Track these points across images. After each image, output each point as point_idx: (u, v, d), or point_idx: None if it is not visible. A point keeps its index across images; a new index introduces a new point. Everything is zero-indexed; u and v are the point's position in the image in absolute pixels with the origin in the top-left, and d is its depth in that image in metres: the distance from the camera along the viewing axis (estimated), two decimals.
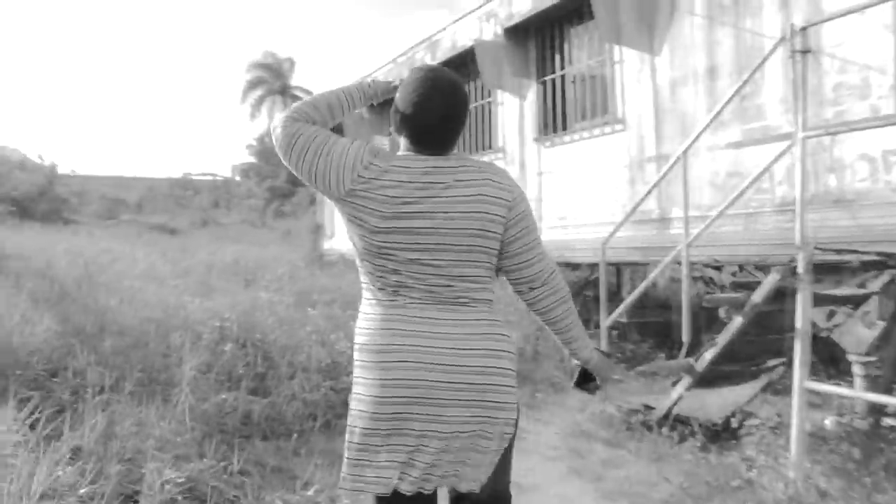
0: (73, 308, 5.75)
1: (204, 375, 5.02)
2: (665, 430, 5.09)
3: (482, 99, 10.60)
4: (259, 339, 5.85)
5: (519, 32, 9.30)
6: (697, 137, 5.40)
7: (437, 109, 2.02)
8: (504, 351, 2.06)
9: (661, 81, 7.21)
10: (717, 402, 5.39)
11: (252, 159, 45.08)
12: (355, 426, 2.05)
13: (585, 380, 2.31)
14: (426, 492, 2.06)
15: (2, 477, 3.01)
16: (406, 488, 2.01)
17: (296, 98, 45.85)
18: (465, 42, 10.38)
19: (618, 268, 9.71)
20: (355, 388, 2.08)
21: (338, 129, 2.34)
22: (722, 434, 5.11)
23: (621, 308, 5.90)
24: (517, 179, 9.35)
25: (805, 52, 4.53)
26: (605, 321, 6.18)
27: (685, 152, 5.39)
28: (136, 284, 7.49)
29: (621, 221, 6.10)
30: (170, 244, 15.12)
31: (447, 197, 1.97)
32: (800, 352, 4.19)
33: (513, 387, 2.06)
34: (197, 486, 3.57)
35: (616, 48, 7.81)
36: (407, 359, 1.98)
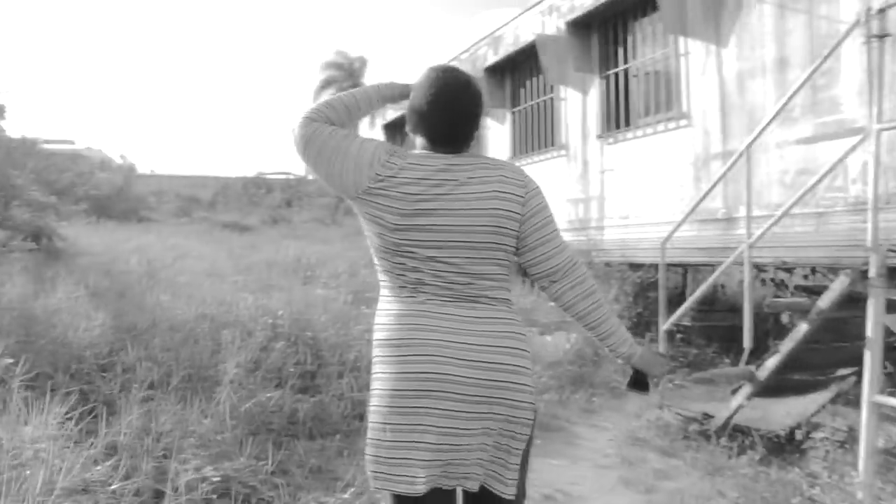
0: (128, 304, 5.82)
1: (252, 373, 5.00)
2: (723, 440, 4.83)
3: (544, 95, 10.39)
4: (310, 336, 5.81)
5: (581, 26, 9.07)
6: (763, 131, 5.11)
7: (451, 108, 2.04)
8: (522, 350, 2.03)
9: (728, 74, 6.90)
10: (781, 413, 5.12)
11: None
12: (375, 422, 2.02)
13: (639, 381, 2.21)
14: (447, 488, 2.03)
15: (35, 472, 3.02)
16: (428, 486, 1.98)
17: None
18: (527, 37, 10.19)
19: (684, 269, 9.39)
20: (373, 385, 2.06)
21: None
22: (785, 447, 4.84)
23: (680, 311, 5.64)
24: (579, 177, 9.16)
25: (882, 36, 4.24)
26: (664, 324, 5.92)
27: (749, 147, 5.11)
28: (195, 281, 7.57)
29: (681, 221, 5.84)
30: (238, 241, 15.33)
31: (462, 194, 1.98)
32: (870, 362, 3.91)
33: (530, 386, 2.03)
34: (231, 486, 3.52)
35: (681, 40, 7.52)
36: (426, 352, 1.96)
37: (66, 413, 3.62)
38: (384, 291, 2.10)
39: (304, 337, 5.80)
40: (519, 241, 2.04)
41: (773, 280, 8.54)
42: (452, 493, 2.08)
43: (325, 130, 2.05)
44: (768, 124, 5.07)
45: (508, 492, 2.01)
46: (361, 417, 5.07)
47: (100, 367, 4.68)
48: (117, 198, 28.05)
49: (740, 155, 5.19)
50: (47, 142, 34.67)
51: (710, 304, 8.95)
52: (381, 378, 2.03)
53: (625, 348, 2.12)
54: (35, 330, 4.89)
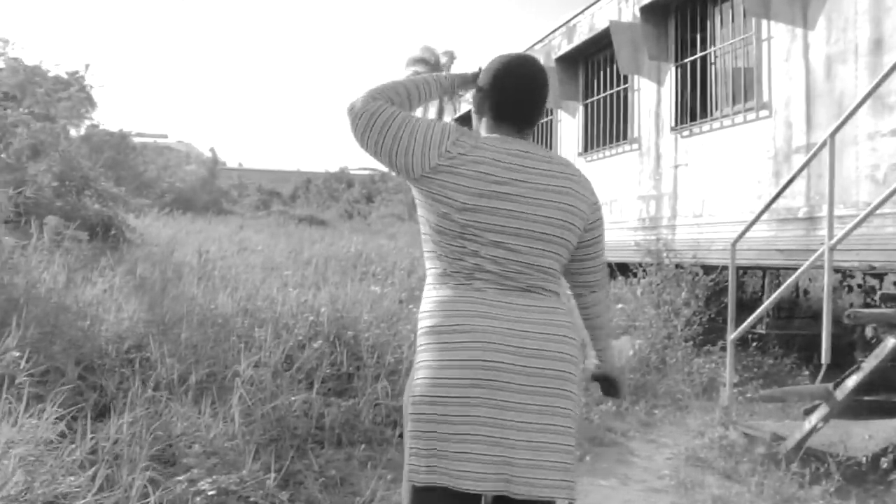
0: (165, 297, 5.65)
1: (283, 373, 4.74)
2: (795, 465, 4.27)
3: (617, 86, 9.83)
4: (351, 336, 5.52)
5: (657, 11, 8.48)
6: (849, 118, 4.52)
7: (518, 83, 2.03)
8: (573, 339, 1.98)
9: (815, 59, 6.26)
10: (864, 436, 4.52)
11: None
12: (421, 413, 1.89)
13: (610, 389, 2.33)
14: (514, 495, 1.87)
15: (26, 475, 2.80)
16: (482, 487, 1.85)
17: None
18: (601, 24, 9.65)
19: (765, 272, 8.72)
20: (418, 374, 1.94)
21: None
22: (867, 476, 4.25)
23: (751, 320, 5.08)
24: (651, 173, 8.61)
25: None
26: (732, 333, 5.37)
27: (833, 136, 4.53)
28: (245, 274, 7.40)
29: (753, 220, 5.27)
30: (308, 235, 15.30)
31: (537, 183, 1.94)
32: None
33: (577, 376, 1.98)
34: (228, 501, 3.23)
35: (763, 23, 6.90)
36: (476, 339, 1.88)
37: (69, 411, 3.43)
38: (434, 279, 2.02)
39: (345, 336, 5.52)
40: (576, 247, 2.05)
41: (860, 286, 7.81)
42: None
43: (388, 108, 1.99)
44: (855, 110, 4.48)
45: (555, 487, 1.88)
46: (395, 425, 4.75)
47: (122, 363, 4.50)
48: (201, 190, 28.82)
49: (822, 145, 4.61)
50: (140, 135, 35.95)
51: (790, 310, 8.27)
52: (425, 366, 1.92)
53: (607, 362, 2.29)
54: (64, 320, 4.76)
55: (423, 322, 1.98)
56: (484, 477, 1.84)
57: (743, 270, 8.38)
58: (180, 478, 3.23)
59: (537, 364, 1.88)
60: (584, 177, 2.05)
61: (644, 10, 8.50)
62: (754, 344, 6.96)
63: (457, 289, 1.95)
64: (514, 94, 2.02)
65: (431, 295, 1.99)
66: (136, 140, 30.66)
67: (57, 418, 3.31)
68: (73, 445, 3.09)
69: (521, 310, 1.92)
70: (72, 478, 2.90)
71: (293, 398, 4.46)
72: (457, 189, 1.91)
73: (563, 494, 1.90)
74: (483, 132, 2.07)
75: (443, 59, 48.06)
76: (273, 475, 3.52)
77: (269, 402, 4.32)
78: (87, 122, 21.69)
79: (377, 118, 1.96)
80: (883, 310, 4.09)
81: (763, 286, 8.53)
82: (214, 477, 3.30)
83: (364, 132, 1.98)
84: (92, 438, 3.23)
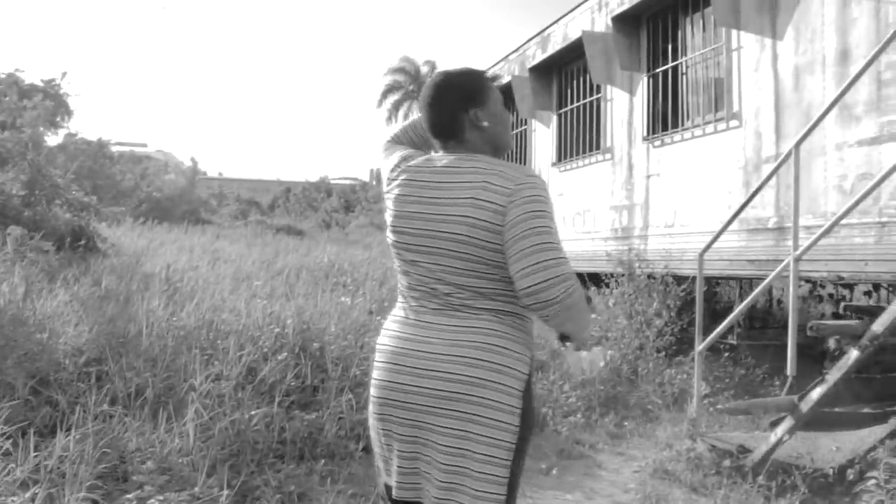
0: (126, 308, 5.53)
1: (243, 387, 4.63)
2: (761, 478, 4.23)
3: (590, 96, 9.81)
4: (317, 348, 5.43)
5: (629, 21, 8.48)
6: (814, 127, 4.51)
7: (428, 101, 2.06)
8: (502, 365, 1.88)
9: (784, 70, 6.26)
10: (830, 448, 4.49)
11: None
12: (370, 425, 2.11)
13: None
14: (399, 499, 2.01)
15: None
16: (397, 495, 2.00)
17: None
18: (575, 34, 9.64)
19: (740, 283, 8.72)
20: None
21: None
22: (833, 488, 4.21)
23: (718, 331, 5.05)
24: (624, 182, 8.57)
25: None
26: (699, 345, 5.33)
27: (798, 146, 4.51)
28: (213, 285, 7.28)
29: (720, 230, 5.24)
30: (284, 245, 15.16)
31: (443, 199, 1.92)
32: None
33: (509, 405, 1.88)
34: None
35: (734, 34, 6.90)
36: (387, 360, 1.99)
37: (15, 428, 3.32)
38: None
39: (311, 348, 5.42)
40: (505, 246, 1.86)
41: (831, 296, 7.82)
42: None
43: (387, 147, 2.22)
44: (819, 120, 4.47)
45: None
46: (358, 439, 4.66)
47: (79, 377, 4.38)
48: (180, 199, 28.53)
49: (788, 155, 4.60)
50: (119, 144, 35.60)
51: (763, 320, 8.27)
52: (371, 383, 2.08)
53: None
54: (21, 333, 4.63)
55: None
56: (401, 485, 1.98)
57: (716, 281, 8.38)
58: (129, 496, 3.14)
59: (436, 386, 1.87)
60: (506, 178, 1.88)
61: (616, 20, 8.50)
62: (726, 354, 6.93)
63: (397, 308, 2.08)
64: (425, 111, 2.08)
65: (392, 312, 2.12)
66: (115, 149, 30.37)
67: (2, 435, 3.21)
68: (14, 465, 2.98)
69: (436, 329, 1.92)
70: (13, 498, 2.79)
71: (254, 412, 4.36)
72: (388, 212, 2.03)
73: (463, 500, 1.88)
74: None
75: (424, 69, 48.04)
76: (227, 491, 3.42)
77: (230, 415, 4.22)
78: (64, 131, 21.48)
79: (382, 159, 2.18)
80: (845, 322, 4.06)
81: (738, 296, 8.54)
82: (165, 494, 3.22)
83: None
84: (36, 456, 3.12)
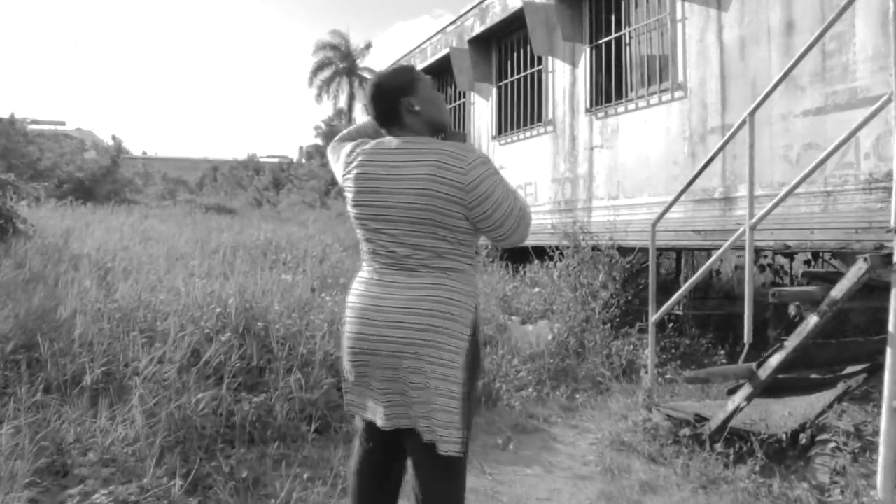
0: (55, 291, 5.20)
1: (188, 370, 4.40)
2: (719, 445, 4.24)
3: (531, 67, 9.72)
4: (261, 327, 5.21)
5: None
6: (766, 97, 4.48)
7: (369, 97, 2.46)
8: (452, 314, 2.29)
9: (729, 40, 6.27)
10: (783, 414, 4.54)
11: (318, 141, 44.71)
12: (343, 372, 2.51)
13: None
14: (390, 428, 2.37)
15: None
16: (386, 424, 2.36)
17: (363, 79, 45.42)
18: (515, 4, 9.51)
19: (678, 253, 8.79)
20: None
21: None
22: (787, 452, 4.26)
23: (672, 301, 5.03)
24: (567, 154, 8.52)
25: None
26: (653, 316, 5.32)
27: (752, 115, 4.49)
28: (147, 265, 6.95)
29: (672, 200, 5.21)
30: (216, 223, 14.69)
31: (398, 175, 2.29)
32: (891, 361, 3.33)
33: (457, 347, 2.29)
34: None
35: (678, 4, 6.89)
36: (357, 315, 2.36)
37: None
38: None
39: (255, 327, 5.20)
40: (475, 224, 2.31)
41: (771, 266, 7.95)
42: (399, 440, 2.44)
43: (332, 146, 2.65)
44: (772, 90, 4.45)
45: (438, 439, 2.26)
46: (310, 420, 4.50)
47: (7, 365, 4.08)
48: (103, 179, 27.42)
49: (741, 124, 4.57)
50: (36, 122, 33.99)
51: (704, 291, 8.37)
52: (343, 335, 2.45)
53: None
54: None
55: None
56: (389, 416, 2.36)
57: (659, 252, 8.43)
58: (72, 491, 2.92)
59: (400, 334, 2.26)
60: (457, 157, 2.25)
61: None
62: (671, 325, 6.98)
63: (363, 270, 2.46)
64: (369, 106, 2.46)
65: (357, 275, 2.48)
66: (31, 127, 29.01)
67: None
68: None
69: (398, 287, 2.30)
70: None
71: (200, 395, 4.14)
72: (350, 190, 2.41)
73: (450, 447, 2.27)
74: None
75: (359, 45, 47.20)
76: (178, 481, 3.23)
77: (174, 400, 3.99)
78: None
79: (330, 152, 2.64)
80: (806, 288, 4.08)
81: (678, 268, 8.62)
82: (111, 487, 3.01)
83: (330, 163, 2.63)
84: None
